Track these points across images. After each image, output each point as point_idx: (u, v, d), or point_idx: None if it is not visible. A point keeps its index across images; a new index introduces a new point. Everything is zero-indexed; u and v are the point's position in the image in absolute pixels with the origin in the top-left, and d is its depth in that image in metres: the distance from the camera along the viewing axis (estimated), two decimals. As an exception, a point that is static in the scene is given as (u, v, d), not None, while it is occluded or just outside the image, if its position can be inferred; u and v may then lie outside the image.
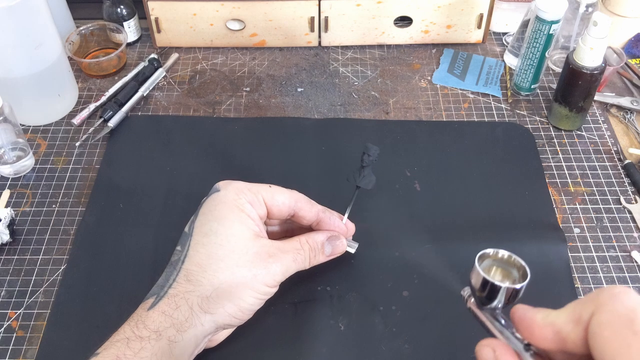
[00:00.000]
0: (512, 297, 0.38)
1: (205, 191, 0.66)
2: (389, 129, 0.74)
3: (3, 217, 0.61)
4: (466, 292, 0.43)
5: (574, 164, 0.71)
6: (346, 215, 0.57)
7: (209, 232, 0.48)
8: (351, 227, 0.57)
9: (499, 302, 0.39)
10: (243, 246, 0.48)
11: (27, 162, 0.70)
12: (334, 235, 0.55)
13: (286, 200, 0.52)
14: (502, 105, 0.77)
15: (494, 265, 0.40)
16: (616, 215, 0.66)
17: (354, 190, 0.56)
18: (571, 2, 0.76)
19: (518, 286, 0.38)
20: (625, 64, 0.82)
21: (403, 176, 0.68)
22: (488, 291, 0.39)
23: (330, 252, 0.55)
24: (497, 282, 0.38)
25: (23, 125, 0.74)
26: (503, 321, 0.39)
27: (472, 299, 0.42)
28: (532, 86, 0.77)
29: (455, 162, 0.70)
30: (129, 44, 0.86)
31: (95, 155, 0.72)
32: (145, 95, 0.78)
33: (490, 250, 0.40)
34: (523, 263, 0.39)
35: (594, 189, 0.68)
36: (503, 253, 0.40)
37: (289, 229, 0.58)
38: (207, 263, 0.47)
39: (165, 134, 0.73)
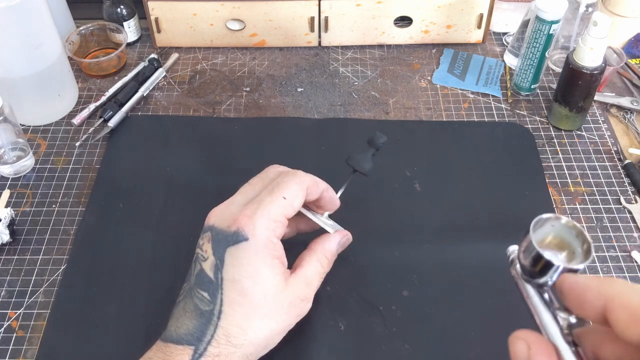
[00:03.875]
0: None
1: (205, 191, 0.67)
2: (389, 129, 0.74)
3: (3, 217, 0.61)
4: (512, 253, 0.36)
5: (574, 164, 0.71)
6: (338, 194, 0.55)
7: (244, 291, 0.46)
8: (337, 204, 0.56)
9: (549, 278, 0.33)
10: (279, 300, 0.48)
11: (27, 162, 0.70)
12: (343, 237, 0.55)
13: (302, 201, 0.51)
14: (502, 105, 0.77)
15: (551, 233, 0.34)
16: (616, 215, 0.66)
17: (351, 172, 0.56)
18: (571, 2, 0.76)
19: (580, 266, 0.32)
20: (625, 64, 0.82)
21: (403, 176, 0.68)
22: (541, 267, 0.33)
23: (341, 250, 0.55)
24: (553, 260, 0.32)
25: (23, 125, 0.74)
26: (548, 298, 0.33)
27: (518, 266, 0.35)
28: (532, 86, 0.77)
29: (455, 162, 0.70)
30: (129, 44, 0.86)
31: (95, 155, 0.72)
32: (145, 95, 0.78)
33: (549, 215, 0.34)
34: (589, 238, 0.33)
35: (594, 189, 0.68)
36: (567, 220, 0.34)
37: None
38: (247, 325, 0.46)
39: (165, 133, 0.73)
